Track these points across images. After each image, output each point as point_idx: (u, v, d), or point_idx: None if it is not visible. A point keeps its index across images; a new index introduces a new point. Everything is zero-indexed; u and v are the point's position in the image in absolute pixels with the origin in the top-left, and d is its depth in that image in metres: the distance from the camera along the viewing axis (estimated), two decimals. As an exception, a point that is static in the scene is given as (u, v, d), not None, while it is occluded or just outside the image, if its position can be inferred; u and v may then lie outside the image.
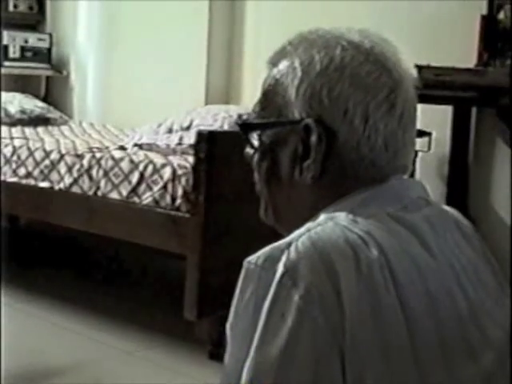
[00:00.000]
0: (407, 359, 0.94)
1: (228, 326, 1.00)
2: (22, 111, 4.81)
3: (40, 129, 4.55)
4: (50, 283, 4.08)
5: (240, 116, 3.34)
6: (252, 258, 0.98)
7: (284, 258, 0.95)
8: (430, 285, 0.98)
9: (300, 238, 0.97)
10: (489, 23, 3.38)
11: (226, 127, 3.30)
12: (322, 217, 1.02)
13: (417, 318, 0.95)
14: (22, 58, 5.29)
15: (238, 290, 0.99)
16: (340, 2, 4.06)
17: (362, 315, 0.92)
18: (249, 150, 1.15)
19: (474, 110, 3.51)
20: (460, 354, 0.97)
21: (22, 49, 5.29)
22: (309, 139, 1.04)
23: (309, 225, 1.00)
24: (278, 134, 1.09)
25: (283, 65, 1.09)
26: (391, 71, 1.06)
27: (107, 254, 4.37)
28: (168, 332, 3.40)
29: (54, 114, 4.98)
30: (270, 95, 1.10)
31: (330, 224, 0.99)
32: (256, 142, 1.12)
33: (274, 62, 1.12)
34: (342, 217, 1.01)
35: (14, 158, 3.76)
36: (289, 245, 0.96)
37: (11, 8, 5.48)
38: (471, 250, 1.09)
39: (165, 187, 3.13)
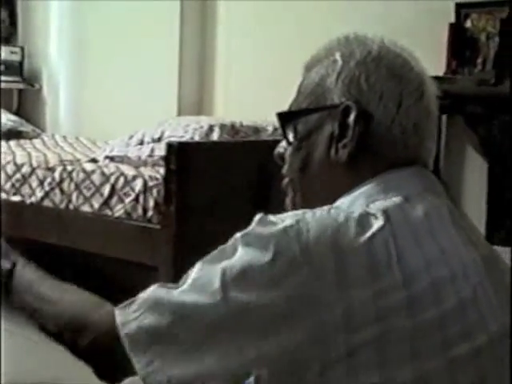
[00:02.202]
0: (404, 330, 0.97)
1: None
2: (-6, 125, 4.78)
3: (12, 142, 4.52)
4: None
5: (211, 127, 3.34)
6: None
7: (297, 217, 1.01)
8: (436, 270, 1.01)
9: (320, 210, 1.04)
10: (457, 31, 3.41)
11: (196, 138, 3.30)
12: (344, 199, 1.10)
13: (419, 296, 0.98)
14: (-6, 72, 5.27)
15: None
16: (312, 15, 4.08)
17: (360, 280, 0.96)
18: (280, 148, 1.24)
19: (443, 118, 3.54)
20: (457, 335, 1.00)
21: (-6, 63, 5.27)
22: (346, 121, 1.12)
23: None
24: (314, 121, 1.17)
25: (321, 64, 1.19)
26: (418, 67, 1.18)
27: (81, 267, 4.34)
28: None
29: (26, 127, 4.96)
30: (307, 89, 1.19)
31: (352, 203, 1.08)
32: (291, 136, 1.19)
33: (310, 66, 1.22)
34: (363, 196, 1.09)
35: (-15, 172, 3.74)
36: (305, 212, 1.03)
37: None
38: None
39: (136, 199, 3.12)
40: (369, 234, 0.99)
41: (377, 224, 1.01)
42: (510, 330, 1.04)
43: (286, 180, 1.22)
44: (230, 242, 1.05)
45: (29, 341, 3.41)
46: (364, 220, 1.01)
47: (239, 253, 1.01)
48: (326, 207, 1.05)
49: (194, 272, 1.03)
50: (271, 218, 1.03)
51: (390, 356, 0.96)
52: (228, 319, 0.98)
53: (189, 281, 1.02)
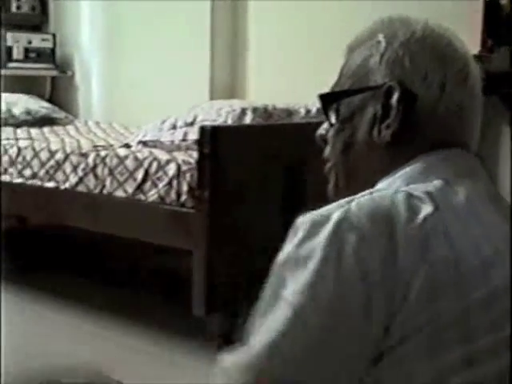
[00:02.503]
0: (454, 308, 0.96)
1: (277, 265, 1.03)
2: (27, 112, 4.81)
3: (46, 129, 4.54)
4: (56, 284, 4.08)
5: (244, 110, 3.32)
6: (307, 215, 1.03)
7: (343, 209, 1.00)
8: (483, 250, 1.01)
9: (362, 196, 1.02)
10: (492, 9, 3.35)
11: (229, 122, 3.28)
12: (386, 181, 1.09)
13: (469, 277, 0.98)
14: (26, 59, 5.29)
15: (286, 241, 1.02)
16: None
17: (415, 265, 0.96)
18: (321, 130, 1.23)
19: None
20: (504, 314, 0.99)
21: (26, 50, 5.29)
22: (389, 102, 1.11)
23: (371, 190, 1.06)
24: (357, 102, 1.16)
25: (365, 45, 1.17)
26: (463, 49, 1.16)
27: (113, 253, 4.36)
28: (179, 329, 3.39)
29: (59, 114, 4.99)
30: (350, 71, 1.19)
31: (391, 185, 1.07)
32: (333, 117, 1.19)
33: (353, 47, 1.20)
34: (403, 178, 1.08)
35: (20, 159, 3.76)
36: (349, 202, 1.01)
37: (14, 9, 5.49)
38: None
39: (170, 184, 3.11)
40: (420, 218, 0.99)
41: (426, 208, 1.00)
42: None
43: (329, 164, 1.21)
44: (279, 266, 1.02)
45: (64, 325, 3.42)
46: (412, 203, 1.00)
47: (302, 272, 0.99)
48: (366, 192, 1.04)
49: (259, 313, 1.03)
50: (315, 218, 1.01)
51: (441, 340, 0.96)
52: (324, 324, 0.97)
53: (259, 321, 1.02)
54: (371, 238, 0.97)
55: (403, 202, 1.00)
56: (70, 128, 4.69)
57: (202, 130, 2.92)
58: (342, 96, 1.18)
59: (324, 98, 1.20)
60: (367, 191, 1.04)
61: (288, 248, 1.01)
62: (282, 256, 1.02)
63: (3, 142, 3.95)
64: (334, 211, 1.00)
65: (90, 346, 3.27)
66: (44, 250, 4.72)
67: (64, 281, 4.14)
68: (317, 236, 0.98)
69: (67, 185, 3.51)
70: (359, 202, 1.01)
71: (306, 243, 0.99)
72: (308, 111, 3.52)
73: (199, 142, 2.93)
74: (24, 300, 3.84)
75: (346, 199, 1.02)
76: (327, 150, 1.21)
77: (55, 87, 5.51)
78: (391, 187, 1.06)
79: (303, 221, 1.01)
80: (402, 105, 1.11)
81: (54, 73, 5.42)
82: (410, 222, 0.98)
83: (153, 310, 3.68)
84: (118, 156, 3.36)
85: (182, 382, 2.90)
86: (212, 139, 2.93)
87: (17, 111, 4.77)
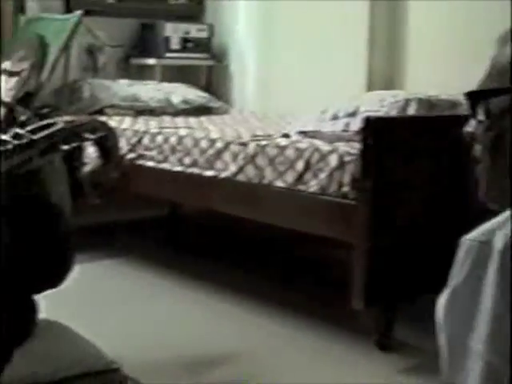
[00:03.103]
0: None
1: (443, 303, 1.01)
2: (185, 101, 4.90)
3: (203, 118, 4.61)
4: (208, 270, 4.14)
5: (408, 101, 3.26)
6: (470, 235, 0.99)
7: (505, 230, 0.96)
8: None
9: None
10: None
11: (393, 113, 3.23)
12: None
13: None
14: (184, 49, 5.40)
15: (455, 268, 1.00)
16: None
17: None
18: (469, 127, 1.15)
19: None
20: None
21: (184, 40, 5.39)
22: None
23: None
24: (509, 100, 1.08)
25: None
26: None
27: (271, 242, 4.39)
28: (332, 320, 3.37)
29: (215, 103, 5.06)
30: (501, 66, 1.10)
31: None
32: (481, 114, 1.12)
33: (504, 40, 1.11)
34: None
35: (180, 147, 3.82)
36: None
37: (171, 0, 5.60)
38: None
39: (331, 174, 3.09)
40: None
41: None
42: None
43: (480, 165, 1.14)
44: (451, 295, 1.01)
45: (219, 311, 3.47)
46: None
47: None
48: None
49: None
50: (478, 248, 0.98)
51: None
52: None
53: None
54: None
55: None
56: (226, 117, 4.74)
57: (367, 120, 2.88)
58: (492, 94, 1.10)
59: (472, 95, 1.13)
60: None
61: (457, 279, 1.00)
62: (451, 288, 1.01)
63: (163, 131, 4.03)
64: (495, 234, 0.96)
65: (238, 331, 3.31)
66: (196, 237, 4.81)
67: (216, 267, 4.20)
68: (483, 273, 0.96)
69: (227, 173, 3.54)
70: None
71: (472, 279, 0.98)
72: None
73: (363, 133, 2.90)
74: (176, 284, 3.92)
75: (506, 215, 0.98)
76: (477, 149, 1.14)
77: (211, 77, 5.59)
78: None
79: (467, 248, 0.99)
80: None
81: (211, 62, 5.50)
82: None
83: (305, 299, 3.68)
84: (278, 146, 3.36)
85: (332, 373, 2.90)
86: (376, 130, 2.89)
87: (175, 100, 4.87)
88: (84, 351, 1.90)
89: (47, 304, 1.76)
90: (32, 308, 1.65)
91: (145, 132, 4.08)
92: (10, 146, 1.24)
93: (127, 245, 4.59)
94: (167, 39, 5.34)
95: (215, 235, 4.70)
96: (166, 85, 5.10)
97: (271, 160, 3.35)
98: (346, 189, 3.03)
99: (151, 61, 5.37)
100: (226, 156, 3.57)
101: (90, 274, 3.77)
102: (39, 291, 1.57)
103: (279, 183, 3.31)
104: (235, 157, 3.52)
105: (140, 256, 4.37)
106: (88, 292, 3.60)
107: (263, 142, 3.45)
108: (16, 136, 1.25)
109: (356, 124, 3.17)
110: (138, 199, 4.37)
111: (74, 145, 1.32)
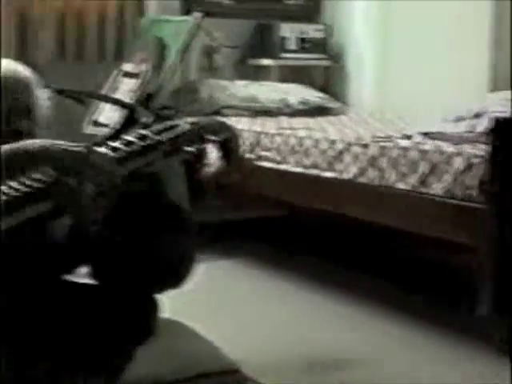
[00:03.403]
0: None
1: None
2: (303, 102, 4.88)
3: (320, 119, 4.58)
4: (324, 271, 4.10)
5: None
6: None
7: None
8: None
9: None
10: None
11: (522, 114, 3.13)
12: None
13: None
14: (300, 50, 5.38)
15: None
16: None
17: None
18: None
19: None
20: None
21: (300, 40, 5.37)
22: None
23: None
24: None
25: None
26: None
27: (393, 245, 4.32)
28: (453, 326, 3.29)
29: (333, 103, 5.02)
30: None
31: None
32: None
33: None
34: None
35: (299, 148, 3.80)
36: None
37: (288, 0, 5.60)
38: None
39: (456, 177, 3.01)
40: None
41: None
42: None
43: None
44: None
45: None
46: None
47: None
48: None
49: None
50: None
51: None
52: None
53: None
54: None
55: None
56: (343, 118, 4.70)
57: (497, 121, 2.80)
58: None
59: None
60: None
61: None
62: None
63: (282, 132, 4.03)
64: None
65: (355, 334, 3.26)
66: (312, 238, 4.78)
67: (334, 269, 4.16)
68: None
69: (348, 175, 3.50)
70: None
71: None
72: None
73: (492, 134, 2.81)
74: (292, 285, 3.90)
75: None
76: None
77: (327, 77, 5.55)
78: None
79: None
80: None
81: (327, 63, 5.47)
82: None
83: (425, 303, 3.60)
84: (400, 147, 3.31)
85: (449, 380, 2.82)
86: (506, 132, 2.80)
87: (292, 101, 4.86)
88: (204, 352, 1.89)
89: (170, 304, 1.76)
90: (154, 307, 1.65)
91: (263, 133, 4.08)
92: (136, 147, 1.24)
93: (243, 245, 4.60)
94: (283, 39, 5.34)
95: (332, 237, 4.66)
96: (281, 85, 5.09)
97: (394, 162, 3.29)
98: (472, 192, 2.95)
99: (267, 61, 5.38)
100: (347, 157, 3.53)
101: (208, 274, 3.79)
102: (161, 291, 1.57)
103: (401, 185, 3.25)
104: (356, 158, 3.48)
105: (256, 256, 4.37)
106: (207, 292, 3.62)
107: (384, 144, 3.39)
108: (141, 137, 1.25)
109: (483, 125, 3.08)
110: (254, 199, 4.38)
111: (199, 147, 1.31)
